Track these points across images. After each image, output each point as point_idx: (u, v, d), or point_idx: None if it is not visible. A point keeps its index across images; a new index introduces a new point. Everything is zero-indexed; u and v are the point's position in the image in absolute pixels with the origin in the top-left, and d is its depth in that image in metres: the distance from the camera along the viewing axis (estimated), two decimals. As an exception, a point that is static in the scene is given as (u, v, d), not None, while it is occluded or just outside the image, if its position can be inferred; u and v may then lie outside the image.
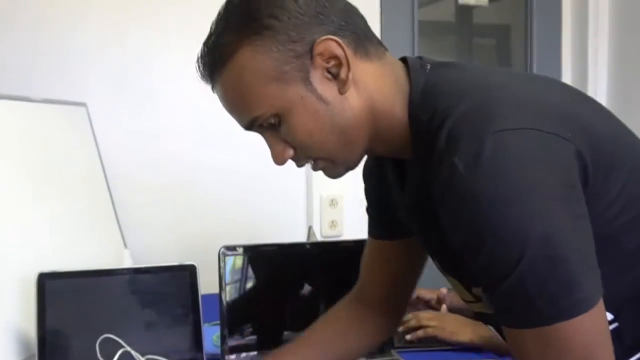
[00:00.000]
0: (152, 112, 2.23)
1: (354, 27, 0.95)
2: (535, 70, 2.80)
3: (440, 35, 2.95)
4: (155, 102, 2.23)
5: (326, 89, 0.92)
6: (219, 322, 1.41)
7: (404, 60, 1.00)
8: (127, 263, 1.82)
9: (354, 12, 0.98)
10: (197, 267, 1.42)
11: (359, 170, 2.45)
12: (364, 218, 2.47)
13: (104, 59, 2.16)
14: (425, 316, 1.61)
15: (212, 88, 1.00)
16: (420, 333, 1.56)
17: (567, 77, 2.84)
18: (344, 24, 0.93)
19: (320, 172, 2.36)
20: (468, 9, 2.83)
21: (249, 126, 0.99)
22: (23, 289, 1.37)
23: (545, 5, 2.82)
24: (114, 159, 2.11)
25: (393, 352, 1.46)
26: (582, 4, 2.77)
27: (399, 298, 1.27)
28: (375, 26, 2.48)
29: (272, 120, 0.95)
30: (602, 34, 2.74)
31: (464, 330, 1.54)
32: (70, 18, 2.13)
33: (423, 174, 0.90)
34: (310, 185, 2.37)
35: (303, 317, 1.42)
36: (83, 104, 2.06)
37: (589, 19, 2.74)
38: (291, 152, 1.00)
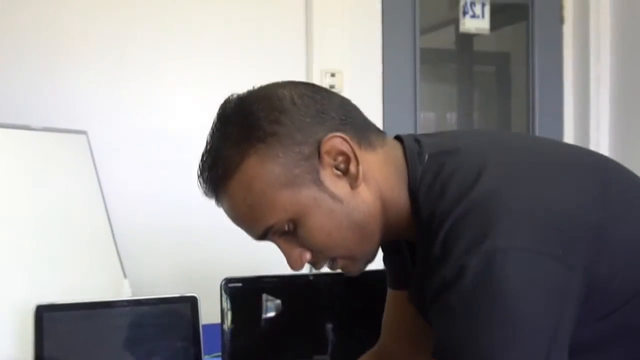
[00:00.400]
0: (153, 140, 2.21)
1: (353, 120, 0.94)
2: (537, 97, 2.81)
3: (441, 62, 2.96)
4: (157, 130, 2.22)
5: (338, 186, 0.91)
6: (219, 354, 1.38)
7: (399, 138, 0.99)
8: (127, 293, 1.79)
9: (350, 104, 0.98)
10: (198, 298, 1.40)
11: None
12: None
13: (105, 86, 2.15)
14: None
15: (217, 202, 1.01)
16: None
17: (569, 103, 2.84)
18: (344, 118, 0.93)
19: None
20: (469, 37, 2.84)
21: (263, 236, 0.97)
22: (20, 322, 1.34)
23: (547, 32, 2.83)
24: (114, 188, 2.09)
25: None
26: (583, 31, 2.78)
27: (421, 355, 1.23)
28: (377, 53, 2.49)
29: (287, 227, 0.93)
30: (603, 61, 2.75)
31: None
32: (70, 45, 2.12)
33: (426, 262, 0.88)
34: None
35: (306, 349, 1.40)
36: (83, 132, 2.05)
37: (590, 46, 2.75)
38: (308, 255, 0.96)
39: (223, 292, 1.35)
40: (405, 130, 2.53)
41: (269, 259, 2.26)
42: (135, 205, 2.19)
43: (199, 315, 1.39)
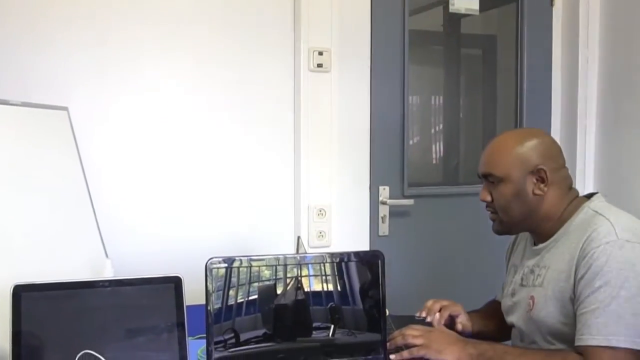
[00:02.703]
0: (136, 118, 2.16)
1: None
2: (525, 79, 2.79)
3: (429, 44, 2.92)
4: (140, 107, 2.17)
5: None
6: (203, 335, 1.34)
7: None
8: (108, 273, 1.74)
9: None
10: (182, 279, 1.36)
11: (346, 180, 2.42)
12: (353, 228, 2.45)
13: (86, 62, 2.10)
14: (411, 333, 1.56)
15: None
16: (405, 354, 1.51)
17: (557, 86, 2.82)
18: None
19: (308, 182, 2.32)
20: (456, 19, 2.80)
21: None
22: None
23: (536, 14, 2.80)
24: (95, 166, 2.05)
25: (386, 367, 1.41)
26: (573, 13, 2.76)
27: None
28: (365, 33, 2.45)
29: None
30: (592, 43, 2.73)
31: (450, 348, 1.50)
32: (51, 19, 2.06)
33: None
34: (298, 195, 2.32)
35: (290, 328, 1.37)
36: (64, 108, 1.99)
37: (579, 28, 2.73)
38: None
39: (208, 272, 1.32)
40: (393, 113, 2.55)
41: (253, 239, 2.25)
42: (118, 184, 2.14)
43: (183, 296, 1.36)
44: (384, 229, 2.55)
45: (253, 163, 2.29)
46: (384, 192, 2.54)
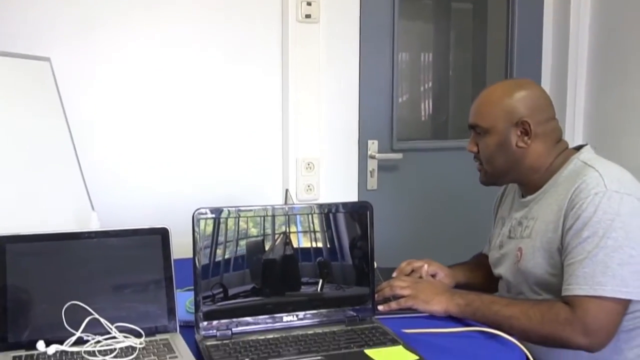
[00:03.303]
0: (120, 69, 2.12)
1: None
2: (516, 35, 2.76)
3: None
4: (126, 60, 2.12)
5: None
6: (191, 287, 1.34)
7: None
8: (95, 226, 1.73)
9: None
10: (169, 230, 1.35)
11: (334, 134, 2.40)
12: (341, 182, 2.44)
13: (69, 11, 2.04)
14: (399, 284, 1.57)
15: None
16: (393, 305, 1.52)
17: (548, 36, 2.79)
18: None
19: (297, 136, 2.30)
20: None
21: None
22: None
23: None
24: (80, 118, 2.01)
25: (374, 319, 1.41)
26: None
27: None
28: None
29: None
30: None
31: (438, 298, 1.51)
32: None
33: None
34: (286, 148, 2.30)
35: (279, 283, 1.37)
36: (46, 59, 1.94)
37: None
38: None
39: (195, 223, 1.30)
40: (383, 66, 2.51)
41: (240, 193, 2.24)
42: (103, 136, 2.11)
43: (171, 247, 1.35)
44: (372, 183, 2.54)
45: (241, 116, 2.26)
46: (373, 146, 2.53)
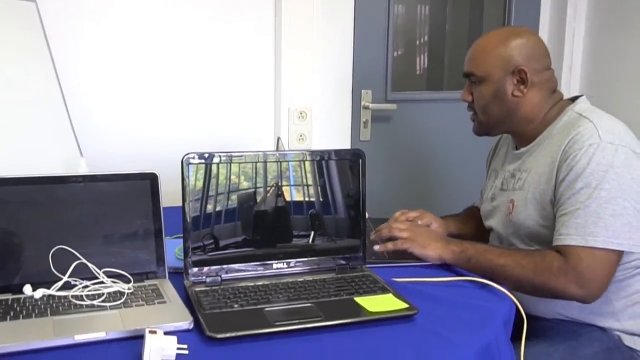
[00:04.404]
0: (109, 12, 2.06)
1: None
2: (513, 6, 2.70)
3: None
4: (115, 4, 2.06)
5: None
6: (181, 235, 1.32)
7: None
8: (84, 172, 1.70)
9: None
10: (158, 175, 1.33)
11: (327, 83, 2.36)
12: (334, 132, 2.41)
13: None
14: (398, 226, 1.57)
15: None
16: (389, 246, 1.52)
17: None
18: None
19: (289, 84, 2.26)
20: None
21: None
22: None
23: None
24: (67, 62, 1.96)
25: (364, 267, 1.40)
26: None
27: None
28: None
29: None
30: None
31: (434, 244, 1.50)
32: None
33: None
34: (278, 96, 2.26)
35: (270, 230, 1.35)
36: (32, 0, 1.89)
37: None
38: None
39: (184, 168, 1.28)
40: (379, 14, 2.45)
41: (231, 141, 2.21)
42: (91, 80, 2.06)
43: (160, 192, 1.33)
44: (365, 134, 2.52)
45: (232, 63, 2.21)
46: (367, 96, 2.49)
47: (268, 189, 1.35)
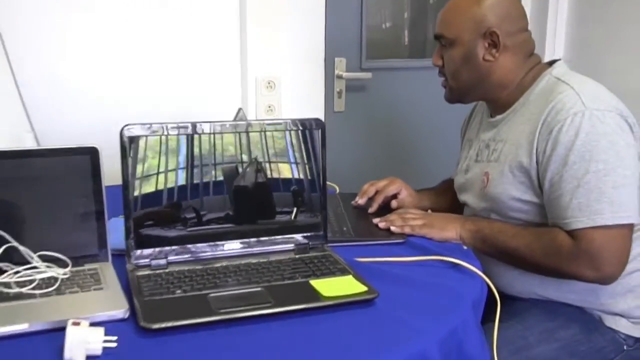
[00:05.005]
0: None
1: None
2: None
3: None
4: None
5: None
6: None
7: None
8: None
9: None
10: (99, 150, 1.21)
11: (298, 51, 2.24)
12: (305, 103, 2.29)
13: None
14: (411, 216, 1.48)
15: None
16: (407, 230, 1.43)
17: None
18: None
19: (255, 51, 2.13)
20: None
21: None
22: None
23: None
24: (14, 35, 1.83)
25: (326, 247, 1.30)
26: None
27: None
28: None
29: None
30: None
31: (452, 225, 1.43)
32: None
33: None
34: (244, 65, 2.14)
35: (222, 209, 1.25)
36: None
37: None
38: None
39: (123, 140, 1.16)
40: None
41: (196, 113, 2.08)
42: (46, 53, 1.93)
43: (101, 169, 1.21)
44: (339, 104, 2.40)
45: (194, 31, 2.08)
46: (340, 64, 2.37)
47: (220, 163, 1.24)
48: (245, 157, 1.26)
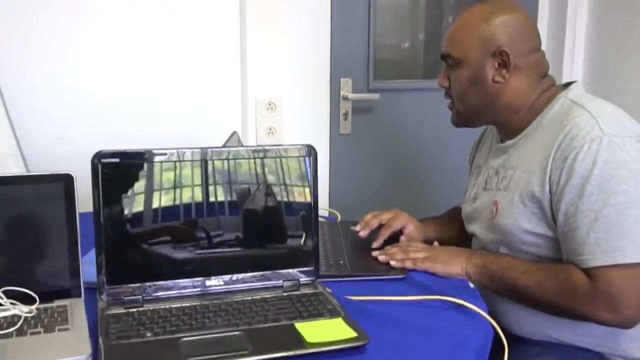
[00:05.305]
0: (42, 10, 1.84)
1: None
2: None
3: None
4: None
5: None
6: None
7: None
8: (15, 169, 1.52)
9: None
10: (74, 177, 1.13)
11: (301, 71, 2.15)
12: (309, 125, 2.20)
13: None
14: (412, 249, 1.38)
15: None
16: (408, 264, 1.32)
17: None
18: None
19: (256, 71, 2.05)
20: None
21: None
22: None
23: None
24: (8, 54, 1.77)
25: (317, 283, 1.20)
26: None
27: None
28: None
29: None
30: None
31: (457, 259, 1.32)
32: None
33: None
34: (245, 86, 2.05)
35: (206, 241, 1.15)
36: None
37: None
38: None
39: (95, 168, 1.07)
40: (359, 3, 2.22)
41: (195, 137, 2.00)
42: (37, 75, 1.85)
43: (76, 197, 1.13)
44: (345, 126, 2.30)
45: (193, 49, 1.99)
46: (346, 85, 2.27)
47: (203, 191, 1.14)
48: (230, 187, 1.16)
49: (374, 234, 1.51)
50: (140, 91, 1.96)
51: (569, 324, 1.28)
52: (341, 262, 1.36)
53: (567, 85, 1.36)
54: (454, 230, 1.58)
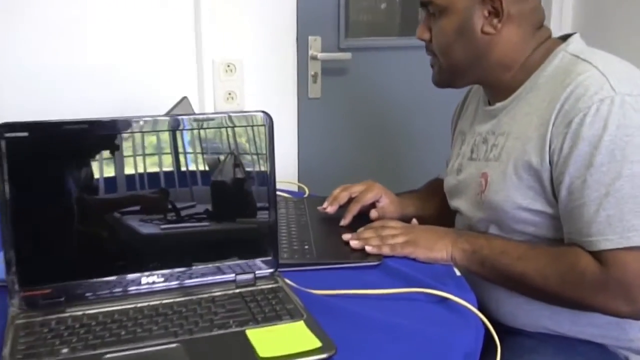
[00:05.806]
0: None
1: None
2: None
3: None
4: None
5: None
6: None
7: None
8: None
9: None
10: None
11: (264, 29, 1.95)
12: (274, 88, 2.00)
13: None
14: (390, 232, 1.19)
15: None
16: (386, 250, 1.15)
17: None
18: None
19: (212, 30, 1.84)
20: None
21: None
22: None
23: None
24: None
25: (277, 275, 1.01)
26: None
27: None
28: None
29: None
30: None
31: (442, 243, 1.15)
32: None
33: None
34: (199, 46, 1.84)
35: (138, 228, 0.96)
36: None
37: None
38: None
39: (-3, 146, 0.87)
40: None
41: (148, 103, 1.79)
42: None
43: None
44: (315, 90, 2.11)
45: (142, 6, 1.78)
46: (315, 43, 2.07)
47: (135, 168, 0.95)
48: (170, 162, 0.97)
49: (344, 210, 1.33)
50: (81, 54, 1.74)
51: (569, 314, 1.12)
52: (306, 247, 1.18)
53: (565, 38, 1.17)
54: (435, 206, 1.41)
